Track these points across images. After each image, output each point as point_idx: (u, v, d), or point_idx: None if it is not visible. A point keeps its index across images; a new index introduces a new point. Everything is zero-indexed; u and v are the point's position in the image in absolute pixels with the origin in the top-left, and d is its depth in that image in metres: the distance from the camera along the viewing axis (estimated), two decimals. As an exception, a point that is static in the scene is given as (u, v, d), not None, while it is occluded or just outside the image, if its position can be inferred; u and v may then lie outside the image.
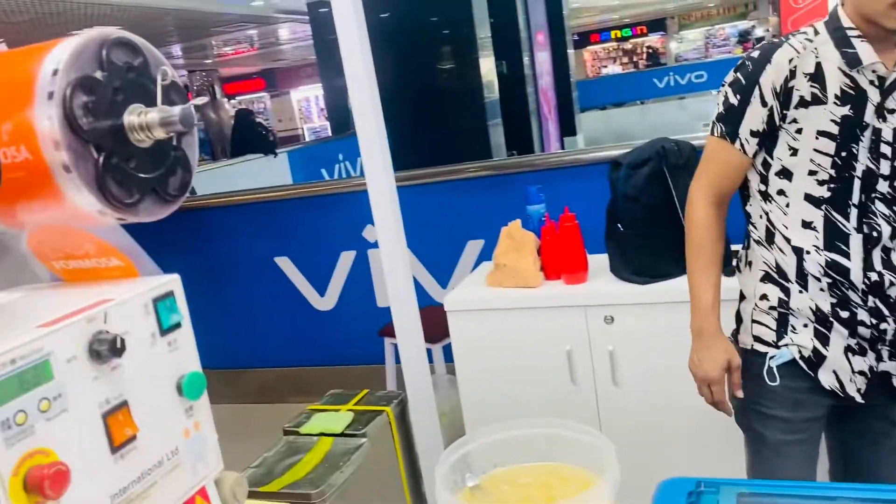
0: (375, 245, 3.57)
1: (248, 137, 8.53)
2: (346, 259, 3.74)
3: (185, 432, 0.70)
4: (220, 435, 0.75)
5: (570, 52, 8.05)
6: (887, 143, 1.34)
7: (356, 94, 1.85)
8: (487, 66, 5.76)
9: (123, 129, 0.65)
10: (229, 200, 4.05)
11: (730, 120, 1.42)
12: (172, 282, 0.70)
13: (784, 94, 1.35)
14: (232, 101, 16.78)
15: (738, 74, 1.41)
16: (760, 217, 1.46)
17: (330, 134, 10.21)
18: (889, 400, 1.44)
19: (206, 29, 10.15)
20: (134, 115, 0.65)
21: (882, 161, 1.35)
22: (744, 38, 12.34)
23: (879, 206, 1.36)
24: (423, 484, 2.02)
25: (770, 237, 1.45)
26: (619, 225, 2.18)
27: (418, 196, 3.27)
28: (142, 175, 0.68)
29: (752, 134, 1.40)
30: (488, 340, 2.29)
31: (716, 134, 1.44)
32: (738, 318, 1.55)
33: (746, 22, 13.03)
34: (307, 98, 19.49)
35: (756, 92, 1.37)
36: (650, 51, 19.39)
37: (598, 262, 2.28)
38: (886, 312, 1.39)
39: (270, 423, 1.79)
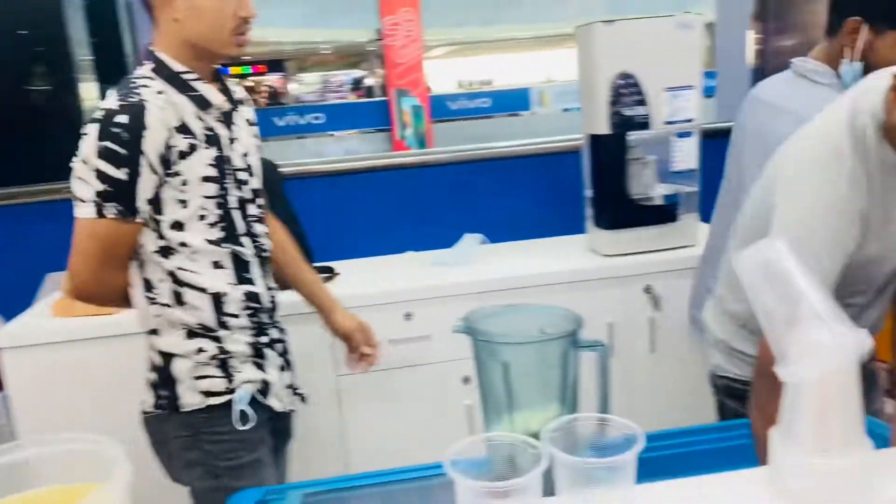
0: None
1: None
2: None
3: None
4: None
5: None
6: (240, 169, 1.44)
7: None
8: (90, 89, 5.33)
9: None
10: None
11: (124, 196, 1.30)
12: None
13: (165, 154, 1.31)
14: None
15: (114, 146, 1.26)
16: (162, 281, 1.39)
17: None
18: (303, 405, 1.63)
19: None
20: None
21: (243, 187, 1.44)
22: (357, 85, 13.41)
23: (258, 228, 1.48)
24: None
25: (179, 296, 1.39)
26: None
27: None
28: None
29: (149, 202, 1.33)
30: (54, 379, 2.03)
31: (110, 216, 1.30)
32: (168, 381, 1.42)
33: (359, 71, 14.17)
34: None
35: (144, 161, 1.29)
36: (271, 90, 19.71)
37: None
38: (282, 326, 1.56)
39: None
